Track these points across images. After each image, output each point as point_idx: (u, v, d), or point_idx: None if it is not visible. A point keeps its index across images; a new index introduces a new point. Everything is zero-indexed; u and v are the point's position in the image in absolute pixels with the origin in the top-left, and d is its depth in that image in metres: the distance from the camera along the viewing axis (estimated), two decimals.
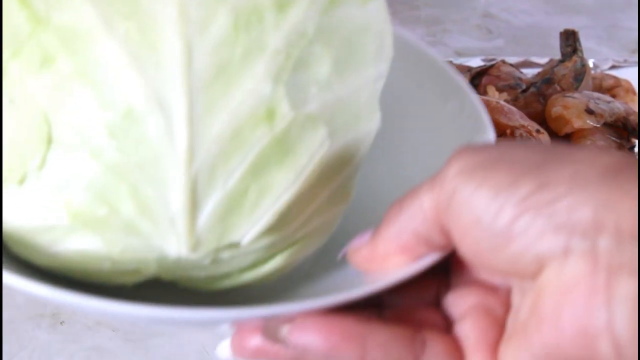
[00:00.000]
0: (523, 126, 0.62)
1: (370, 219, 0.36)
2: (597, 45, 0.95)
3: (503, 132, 0.63)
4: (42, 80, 0.32)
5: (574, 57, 0.71)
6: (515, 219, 0.29)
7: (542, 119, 0.66)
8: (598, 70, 0.79)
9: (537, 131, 0.63)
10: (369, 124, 0.36)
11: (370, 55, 0.36)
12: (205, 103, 0.31)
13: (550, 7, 1.06)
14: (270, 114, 0.32)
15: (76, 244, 0.34)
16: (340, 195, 0.37)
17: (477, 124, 0.43)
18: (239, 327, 0.33)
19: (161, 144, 0.31)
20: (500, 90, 0.70)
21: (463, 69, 0.76)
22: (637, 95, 0.73)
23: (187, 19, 0.31)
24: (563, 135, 0.65)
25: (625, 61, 0.83)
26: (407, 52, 0.47)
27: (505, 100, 0.68)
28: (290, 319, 0.32)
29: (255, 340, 0.32)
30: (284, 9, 0.33)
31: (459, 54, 0.91)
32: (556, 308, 0.28)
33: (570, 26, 0.76)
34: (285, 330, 0.32)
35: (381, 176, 0.46)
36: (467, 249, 0.31)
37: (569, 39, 0.72)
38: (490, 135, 0.42)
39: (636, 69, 0.78)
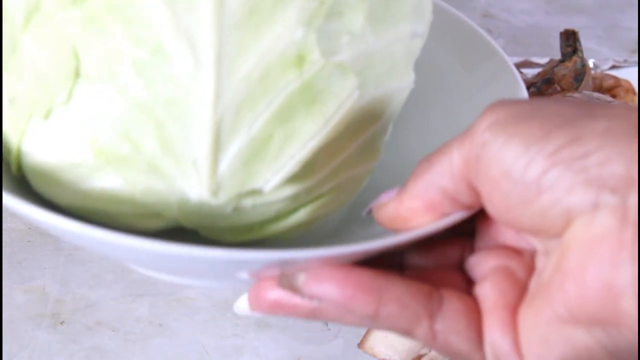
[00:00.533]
0: None
1: (398, 182, 0.35)
2: (597, 45, 0.95)
3: None
4: (73, 15, 0.32)
5: (574, 57, 0.71)
6: (545, 172, 0.28)
7: None
8: (598, 70, 0.79)
9: None
10: (401, 81, 0.36)
11: (407, 11, 0.35)
12: (235, 44, 0.31)
13: (550, 7, 1.06)
14: (300, 59, 0.32)
15: (100, 182, 0.33)
16: (368, 152, 0.36)
17: (512, 87, 0.43)
18: (257, 280, 0.32)
19: (188, 83, 0.31)
20: None
21: None
22: (637, 95, 0.73)
23: None
24: None
25: (625, 61, 0.83)
26: (439, 15, 0.45)
27: None
28: (307, 268, 0.31)
29: (273, 293, 0.32)
30: None
31: None
32: (581, 264, 0.27)
33: (570, 26, 0.76)
34: (301, 279, 0.31)
35: (412, 140, 0.45)
36: (495, 204, 0.31)
37: (569, 39, 0.72)
38: (524, 95, 0.41)
39: (636, 69, 0.78)
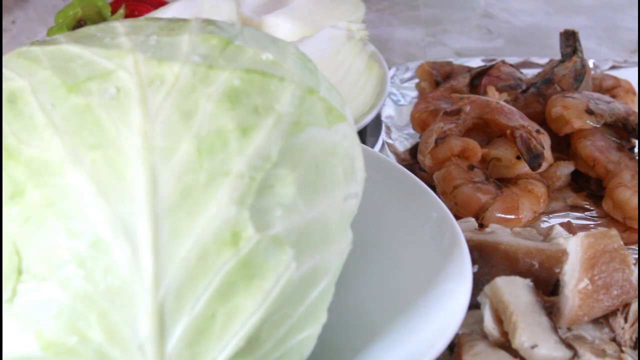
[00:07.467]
0: (523, 126, 0.62)
1: (351, 339, 0.36)
2: (597, 45, 0.95)
3: (503, 132, 0.63)
4: (11, 211, 0.32)
5: (574, 58, 0.71)
6: None
7: (542, 119, 0.66)
8: (598, 71, 0.79)
9: (537, 131, 0.63)
10: (338, 244, 0.36)
11: (338, 176, 0.36)
12: (170, 229, 0.32)
13: (550, 7, 1.06)
14: (235, 238, 0.32)
15: None
16: (312, 316, 0.37)
17: (452, 238, 0.44)
18: None
19: (128, 272, 0.32)
20: (500, 90, 0.70)
21: (463, 70, 0.76)
22: (637, 95, 0.73)
23: (152, 146, 0.32)
24: (563, 136, 0.65)
25: (625, 61, 0.83)
26: (385, 171, 0.49)
27: (505, 101, 0.68)
28: None
29: None
30: (248, 133, 0.33)
31: (459, 54, 0.91)
32: None
33: (570, 26, 0.76)
34: None
35: (359, 294, 0.46)
36: None
37: (569, 39, 0.72)
38: (465, 255, 0.43)
39: (636, 69, 0.78)
